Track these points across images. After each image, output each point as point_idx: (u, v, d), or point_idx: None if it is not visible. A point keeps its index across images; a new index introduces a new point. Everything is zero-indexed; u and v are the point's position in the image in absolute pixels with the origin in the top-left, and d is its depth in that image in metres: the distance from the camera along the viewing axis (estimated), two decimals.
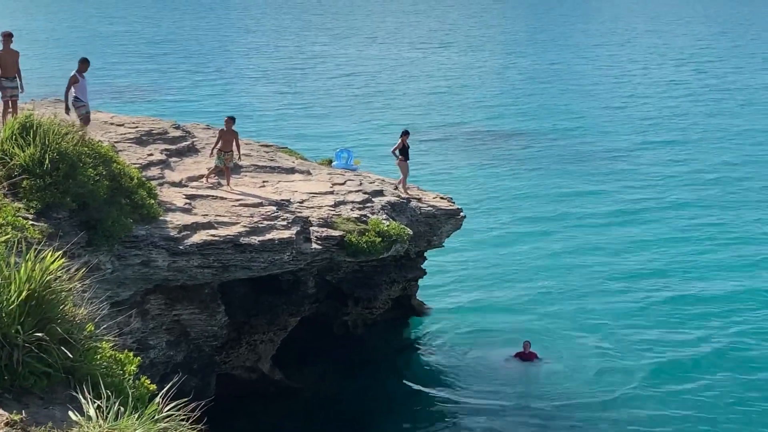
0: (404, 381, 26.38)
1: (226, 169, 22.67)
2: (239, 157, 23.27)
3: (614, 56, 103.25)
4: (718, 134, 60.21)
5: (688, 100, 73.98)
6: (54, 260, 7.64)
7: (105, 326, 8.41)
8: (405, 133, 27.87)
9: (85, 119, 20.46)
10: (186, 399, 7.17)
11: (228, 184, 22.65)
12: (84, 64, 20.59)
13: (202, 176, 22.86)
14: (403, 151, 27.57)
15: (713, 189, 46.35)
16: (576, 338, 28.68)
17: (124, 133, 24.02)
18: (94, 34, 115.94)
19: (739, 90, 79.57)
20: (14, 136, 15.41)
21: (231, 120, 22.75)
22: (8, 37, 20.36)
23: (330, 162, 29.53)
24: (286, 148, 30.82)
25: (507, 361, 27.11)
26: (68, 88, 20.52)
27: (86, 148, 16.69)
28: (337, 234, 21.85)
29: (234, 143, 22.63)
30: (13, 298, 7.09)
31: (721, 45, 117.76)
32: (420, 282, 30.42)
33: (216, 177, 22.93)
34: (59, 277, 7.69)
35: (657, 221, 40.89)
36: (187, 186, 22.01)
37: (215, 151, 22.69)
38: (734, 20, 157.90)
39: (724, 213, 42.29)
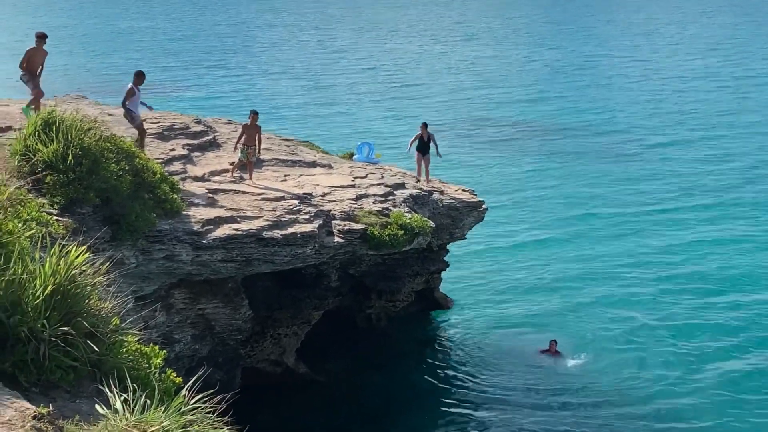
0: (427, 375, 26.33)
1: (248, 163, 22.72)
2: (259, 152, 23.29)
3: (639, 47, 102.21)
4: (751, 129, 58.91)
5: (718, 92, 72.79)
6: (78, 255, 7.67)
7: (130, 320, 8.45)
8: (423, 126, 27.94)
9: (138, 127, 21.02)
10: (211, 392, 7.18)
11: (250, 178, 22.70)
12: (140, 77, 20.91)
13: (224, 171, 22.91)
14: (421, 144, 27.57)
15: (747, 187, 45.03)
16: (604, 338, 28.21)
17: (146, 129, 24.06)
18: (116, 31, 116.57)
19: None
20: (37, 132, 15.50)
21: (255, 114, 22.81)
22: (42, 38, 20.61)
23: (351, 155, 29.54)
24: (308, 141, 30.84)
25: (533, 358, 26.97)
26: (126, 100, 20.88)
27: (109, 144, 16.76)
28: (359, 227, 21.85)
29: (257, 138, 22.69)
30: (38, 293, 7.13)
31: (749, 34, 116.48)
32: (444, 275, 30.36)
33: (239, 171, 22.97)
34: (84, 271, 7.72)
35: (690, 220, 39.65)
36: (209, 180, 22.07)
37: (239, 145, 22.75)
38: (761, 9, 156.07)
39: (760, 212, 41.06)
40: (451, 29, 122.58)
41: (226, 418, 7.18)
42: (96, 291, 7.88)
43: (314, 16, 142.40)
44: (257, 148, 22.80)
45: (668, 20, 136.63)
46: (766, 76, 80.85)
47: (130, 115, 20.94)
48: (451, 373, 26.46)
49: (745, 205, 42.06)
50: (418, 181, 27.50)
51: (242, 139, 22.63)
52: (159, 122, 25.09)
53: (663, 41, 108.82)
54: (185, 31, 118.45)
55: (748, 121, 61.12)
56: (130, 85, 20.81)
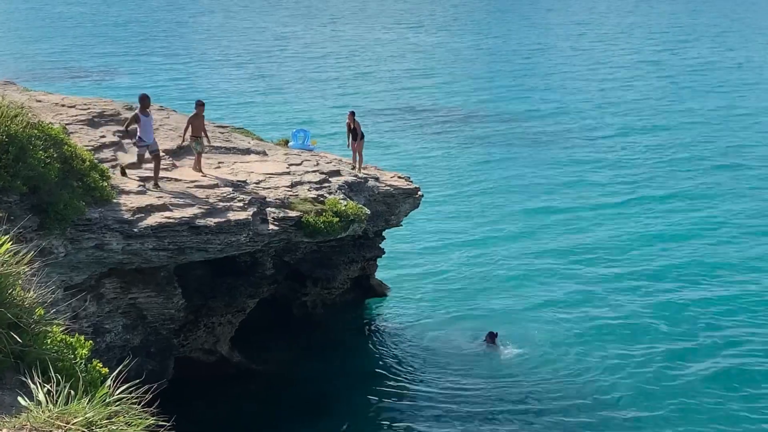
0: (363, 363, 26.39)
1: (198, 154, 22.25)
2: (208, 142, 22.86)
3: (583, 35, 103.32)
4: (693, 118, 59.76)
5: (659, 80, 73.93)
6: (1, 244, 7.54)
7: (57, 310, 8.33)
8: (349, 114, 27.77)
9: (153, 158, 20.34)
10: (138, 381, 7.12)
11: (200, 169, 22.23)
12: (145, 101, 20.19)
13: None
14: (353, 133, 27.42)
15: (694, 178, 45.38)
16: (545, 330, 28.29)
17: (76, 115, 23.63)
18: (51, 15, 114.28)
19: (710, 70, 79.43)
20: None
21: (202, 105, 22.27)
22: None
23: (286, 142, 29.40)
24: (243, 128, 30.62)
25: (470, 347, 27.11)
26: (128, 125, 20.52)
27: (36, 131, 16.44)
28: (294, 214, 21.78)
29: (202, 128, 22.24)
30: None
31: (688, 22, 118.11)
32: (381, 263, 30.41)
33: (170, 158, 22.62)
34: (6, 261, 7.59)
35: (637, 214, 39.74)
36: (140, 168, 21.74)
37: (187, 136, 22.18)
38: None
39: (705, 204, 41.43)
40: (394, 17, 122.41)
41: (152, 408, 7.12)
42: (19, 281, 7.75)
43: (255, 2, 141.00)
44: (207, 138, 22.39)
45: (607, 8, 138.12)
46: (706, 64, 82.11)
47: (139, 145, 20.22)
48: (386, 361, 26.54)
49: (693, 197, 42.26)
50: (354, 168, 27.50)
51: (190, 131, 22.11)
52: (89, 109, 24.64)
53: (603, 29, 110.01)
54: (122, 16, 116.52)
55: (690, 110, 62.09)
56: (135, 111, 20.28)
